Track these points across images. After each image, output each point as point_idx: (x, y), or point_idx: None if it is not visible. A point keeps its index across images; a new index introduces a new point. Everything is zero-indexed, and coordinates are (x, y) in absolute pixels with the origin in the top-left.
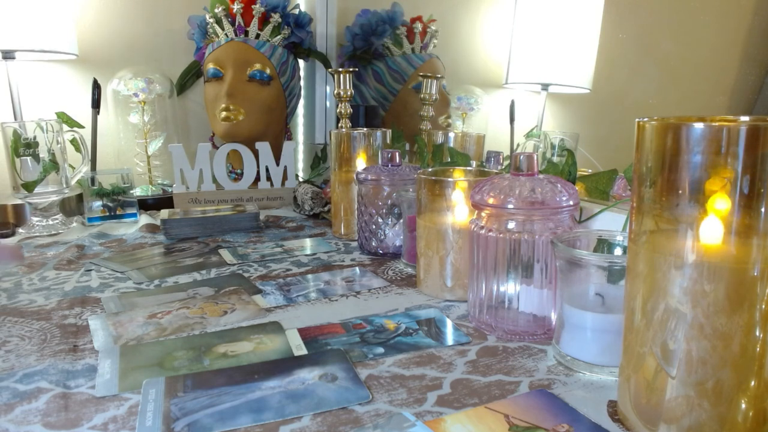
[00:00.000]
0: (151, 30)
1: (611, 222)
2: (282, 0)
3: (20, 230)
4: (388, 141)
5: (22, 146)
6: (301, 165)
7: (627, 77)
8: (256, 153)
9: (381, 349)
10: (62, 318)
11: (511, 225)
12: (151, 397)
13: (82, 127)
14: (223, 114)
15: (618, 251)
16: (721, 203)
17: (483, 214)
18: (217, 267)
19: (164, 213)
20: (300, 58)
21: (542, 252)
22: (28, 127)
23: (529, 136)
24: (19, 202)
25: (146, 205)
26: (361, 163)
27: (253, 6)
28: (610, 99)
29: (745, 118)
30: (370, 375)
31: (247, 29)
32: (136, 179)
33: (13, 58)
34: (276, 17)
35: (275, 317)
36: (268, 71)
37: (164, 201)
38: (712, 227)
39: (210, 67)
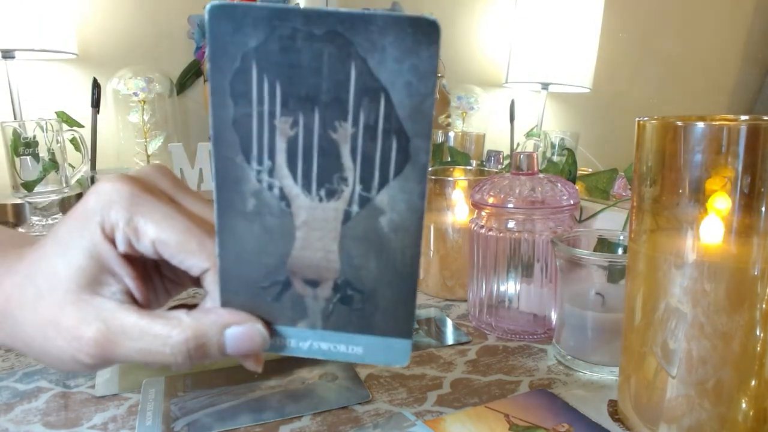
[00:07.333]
0: (151, 30)
1: (611, 221)
2: (282, 0)
3: (20, 230)
4: None
5: (22, 146)
6: None
7: (627, 77)
8: None
9: None
10: None
11: (511, 224)
12: (150, 396)
13: (82, 126)
14: None
15: (618, 251)
16: (721, 203)
17: (483, 214)
18: None
19: None
20: None
21: (542, 251)
22: (28, 127)
23: (529, 135)
24: (18, 201)
25: None
26: None
27: None
28: (610, 99)
29: (745, 118)
30: (370, 374)
31: None
32: None
33: (13, 57)
34: None
35: None
36: None
37: None
38: (713, 227)
39: None
